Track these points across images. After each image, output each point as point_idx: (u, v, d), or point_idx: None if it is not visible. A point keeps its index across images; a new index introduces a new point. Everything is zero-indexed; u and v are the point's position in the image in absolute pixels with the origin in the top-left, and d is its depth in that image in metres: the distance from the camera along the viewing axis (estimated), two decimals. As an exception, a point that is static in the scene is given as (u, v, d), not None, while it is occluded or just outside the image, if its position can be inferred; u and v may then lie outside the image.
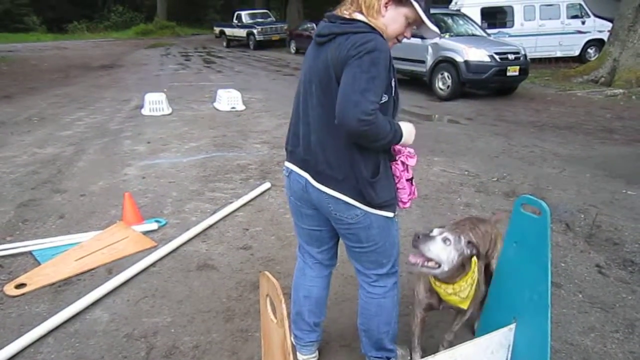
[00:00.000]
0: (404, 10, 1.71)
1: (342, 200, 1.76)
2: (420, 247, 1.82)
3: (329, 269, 2.16)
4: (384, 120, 1.61)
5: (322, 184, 1.78)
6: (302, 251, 2.14)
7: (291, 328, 2.18)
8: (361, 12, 1.68)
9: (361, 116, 1.52)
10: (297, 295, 2.14)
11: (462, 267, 1.91)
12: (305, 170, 1.83)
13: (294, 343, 2.22)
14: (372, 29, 1.65)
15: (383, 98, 1.65)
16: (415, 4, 1.69)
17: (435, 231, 1.90)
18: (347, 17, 1.70)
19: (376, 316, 2.00)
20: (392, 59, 1.68)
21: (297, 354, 2.22)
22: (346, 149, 1.70)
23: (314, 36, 1.80)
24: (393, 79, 1.72)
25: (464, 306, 2.01)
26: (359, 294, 2.05)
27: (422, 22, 1.73)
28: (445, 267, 1.83)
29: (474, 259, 1.96)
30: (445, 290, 1.95)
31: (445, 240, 1.84)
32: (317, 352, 2.24)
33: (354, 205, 1.76)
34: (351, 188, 1.74)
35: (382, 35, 1.65)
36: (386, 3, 1.68)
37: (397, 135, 1.68)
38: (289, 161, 1.92)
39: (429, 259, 1.82)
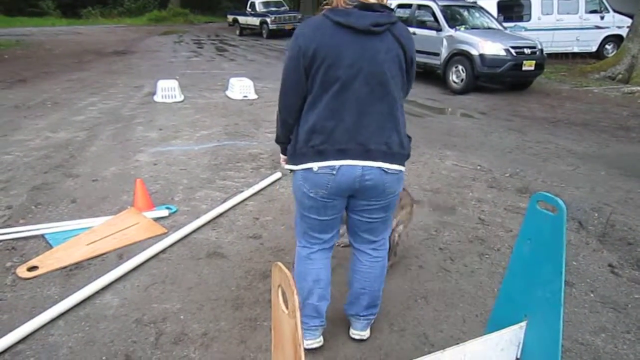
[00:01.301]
0: None
1: (402, 172, 2.00)
2: None
3: (331, 251, 2.23)
4: None
5: (396, 164, 1.94)
6: (311, 239, 2.14)
7: None
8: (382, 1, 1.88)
9: None
10: (305, 282, 2.13)
11: None
12: (369, 159, 1.89)
13: None
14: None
15: None
16: None
17: None
18: (387, 6, 1.86)
19: (380, 276, 2.22)
20: None
21: None
22: (404, 124, 1.98)
23: (359, 26, 1.77)
24: None
25: None
26: (358, 262, 2.21)
27: None
28: None
29: None
30: None
31: None
32: (321, 337, 2.24)
33: (404, 172, 2.02)
34: (407, 157, 2.01)
35: None
36: None
37: None
38: (339, 159, 1.88)
39: None
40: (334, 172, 1.89)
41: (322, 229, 2.10)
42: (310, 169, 1.92)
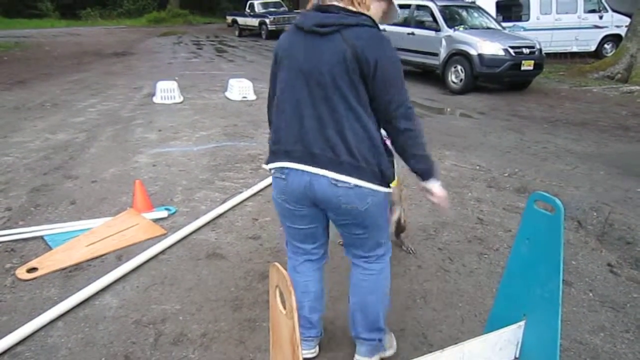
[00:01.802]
0: (382, 5, 1.86)
1: (361, 188, 1.78)
2: None
3: (322, 262, 2.17)
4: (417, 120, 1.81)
5: (345, 174, 1.76)
6: (294, 249, 2.12)
7: None
8: (352, 5, 1.75)
9: (407, 110, 1.77)
10: (295, 294, 2.11)
11: None
12: (315, 166, 1.78)
13: None
14: (374, 23, 1.76)
15: None
16: None
17: None
18: (352, 9, 1.75)
19: (373, 292, 2.04)
20: None
21: None
22: (365, 134, 1.76)
23: (305, 26, 1.75)
24: None
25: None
26: (351, 274, 2.10)
27: (392, 9, 1.90)
28: None
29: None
30: None
31: None
32: (317, 347, 2.23)
33: (371, 190, 1.80)
34: (370, 172, 1.78)
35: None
36: None
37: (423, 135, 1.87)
38: (286, 161, 1.84)
39: None
40: (284, 177, 1.86)
41: (301, 238, 2.05)
42: (270, 169, 1.94)
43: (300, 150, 1.80)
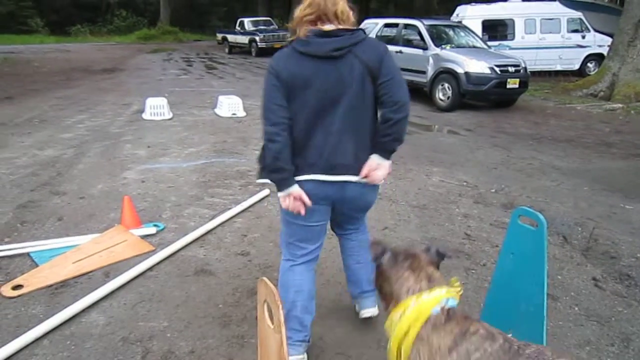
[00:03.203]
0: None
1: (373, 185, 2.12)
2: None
3: (314, 263, 2.31)
4: None
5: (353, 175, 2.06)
6: (293, 249, 2.24)
7: None
8: (343, 24, 2.00)
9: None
10: (288, 294, 2.19)
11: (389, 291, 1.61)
12: (342, 174, 2.04)
13: None
14: (364, 31, 2.04)
15: None
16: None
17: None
18: (350, 28, 2.00)
19: (366, 250, 2.21)
20: None
21: None
22: (370, 139, 2.08)
23: (320, 53, 1.93)
24: None
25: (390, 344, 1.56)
26: (343, 246, 2.48)
27: None
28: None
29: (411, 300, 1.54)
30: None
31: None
32: (305, 354, 2.24)
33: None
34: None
35: None
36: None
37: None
38: (307, 173, 2.04)
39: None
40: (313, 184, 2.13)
41: (305, 236, 2.23)
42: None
43: (320, 164, 2.03)
